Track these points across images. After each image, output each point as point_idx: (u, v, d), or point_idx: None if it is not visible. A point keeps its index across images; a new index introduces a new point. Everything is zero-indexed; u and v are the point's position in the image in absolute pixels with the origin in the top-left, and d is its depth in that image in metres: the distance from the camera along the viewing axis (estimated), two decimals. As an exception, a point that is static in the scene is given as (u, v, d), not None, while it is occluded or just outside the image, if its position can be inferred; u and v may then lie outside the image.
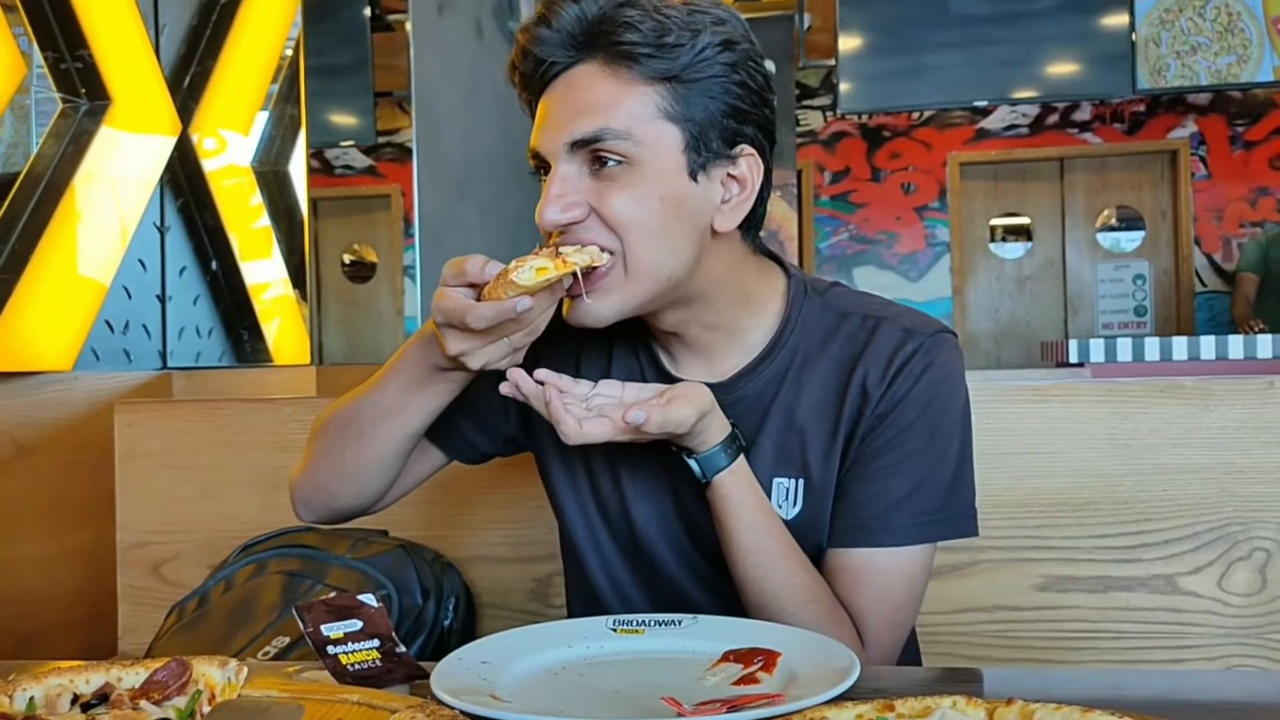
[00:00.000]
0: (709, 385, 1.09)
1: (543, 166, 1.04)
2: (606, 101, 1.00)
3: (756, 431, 1.12)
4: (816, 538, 1.11)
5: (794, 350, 1.12)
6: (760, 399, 1.12)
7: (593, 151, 1.00)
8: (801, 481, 1.11)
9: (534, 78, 1.04)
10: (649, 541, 1.18)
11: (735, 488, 1.07)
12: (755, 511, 1.07)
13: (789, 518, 1.10)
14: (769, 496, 1.11)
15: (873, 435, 1.09)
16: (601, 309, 1.03)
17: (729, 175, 1.05)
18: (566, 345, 1.20)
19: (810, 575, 1.09)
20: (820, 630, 1.02)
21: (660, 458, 1.15)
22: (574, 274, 0.98)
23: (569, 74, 1.02)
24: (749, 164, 1.06)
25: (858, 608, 1.08)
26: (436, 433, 1.23)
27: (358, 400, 1.15)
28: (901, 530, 1.08)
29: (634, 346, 1.18)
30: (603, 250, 1.01)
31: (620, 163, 1.00)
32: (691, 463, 1.06)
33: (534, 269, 0.95)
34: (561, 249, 0.98)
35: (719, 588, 1.16)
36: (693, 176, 1.03)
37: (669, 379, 1.14)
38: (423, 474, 1.27)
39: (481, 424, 1.25)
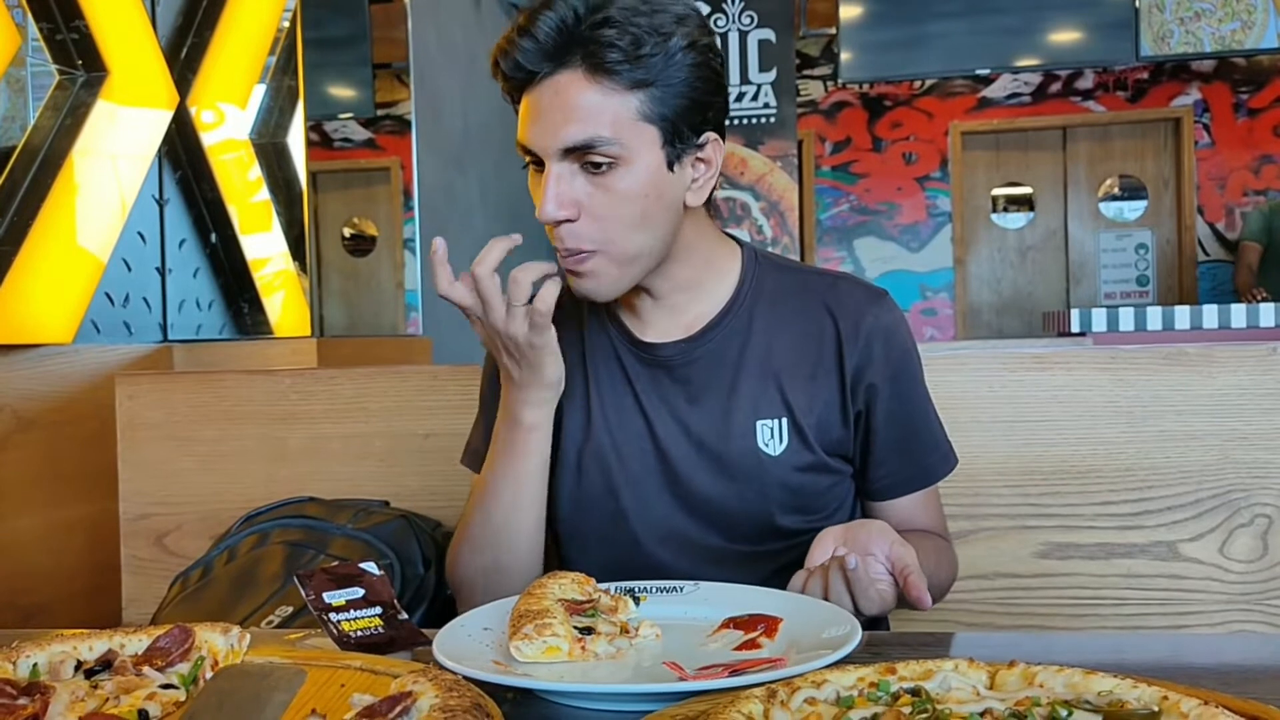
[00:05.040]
0: (680, 341, 1.20)
1: (533, 158, 1.12)
2: (593, 110, 1.07)
3: (733, 378, 1.20)
4: (805, 463, 1.20)
5: (756, 303, 1.23)
6: (728, 349, 1.21)
7: (583, 154, 1.08)
8: (785, 420, 1.20)
9: (517, 79, 1.10)
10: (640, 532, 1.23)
11: None
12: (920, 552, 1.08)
13: (776, 454, 1.19)
14: (754, 439, 1.18)
15: (877, 399, 1.21)
16: (601, 289, 1.14)
17: (697, 159, 1.15)
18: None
19: (933, 540, 1.22)
20: (956, 568, 1.25)
21: (663, 454, 1.21)
22: None
23: (553, 79, 1.08)
24: (713, 147, 1.16)
25: (938, 530, 1.27)
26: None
27: (476, 521, 1.22)
28: (940, 460, 1.26)
29: (602, 324, 1.26)
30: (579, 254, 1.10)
31: (610, 164, 1.08)
32: None
33: (541, 643, 0.85)
34: (594, 612, 0.93)
35: (711, 561, 1.21)
36: (670, 167, 1.12)
37: (640, 345, 1.22)
38: None
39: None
